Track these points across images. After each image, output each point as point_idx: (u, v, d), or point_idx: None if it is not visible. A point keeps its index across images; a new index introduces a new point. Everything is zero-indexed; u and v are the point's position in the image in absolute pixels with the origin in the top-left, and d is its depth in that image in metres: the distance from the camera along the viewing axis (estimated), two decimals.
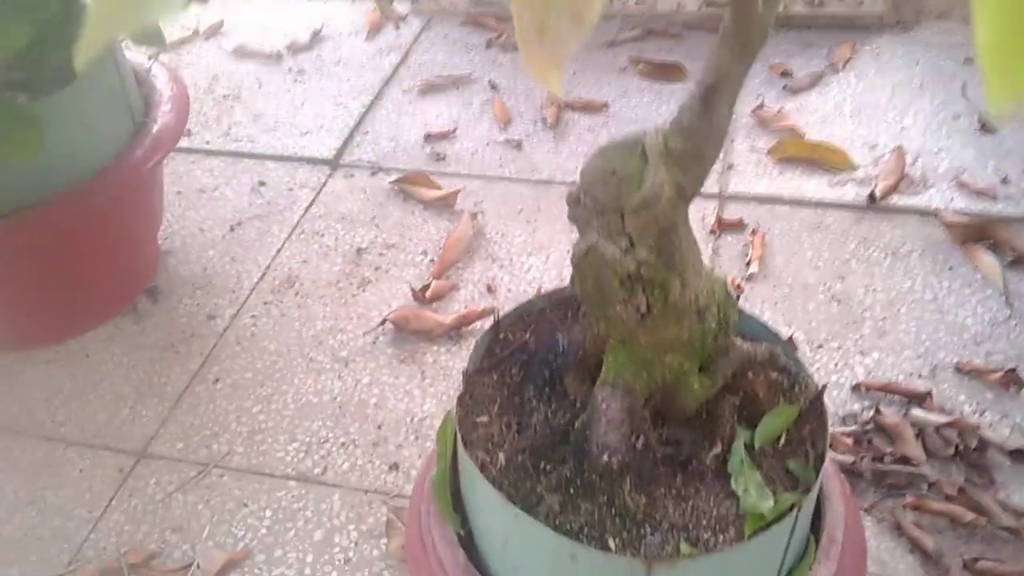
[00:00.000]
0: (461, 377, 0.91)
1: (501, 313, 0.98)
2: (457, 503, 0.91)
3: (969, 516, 1.11)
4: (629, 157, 0.74)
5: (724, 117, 0.70)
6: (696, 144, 0.70)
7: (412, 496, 0.97)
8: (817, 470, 0.82)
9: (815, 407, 0.87)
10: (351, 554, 1.14)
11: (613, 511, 0.80)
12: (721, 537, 0.79)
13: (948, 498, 1.14)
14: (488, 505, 0.83)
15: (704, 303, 0.81)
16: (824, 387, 0.88)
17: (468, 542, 0.89)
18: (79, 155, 1.36)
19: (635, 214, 0.71)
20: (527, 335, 0.98)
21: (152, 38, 1.39)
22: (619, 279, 0.74)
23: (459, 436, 0.86)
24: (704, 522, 0.80)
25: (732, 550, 0.76)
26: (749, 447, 0.86)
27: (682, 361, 0.83)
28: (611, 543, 0.78)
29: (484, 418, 0.90)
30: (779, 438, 0.87)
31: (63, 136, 1.31)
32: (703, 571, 0.77)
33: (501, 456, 0.86)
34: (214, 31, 2.36)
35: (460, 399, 0.90)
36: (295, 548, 1.16)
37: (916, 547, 1.10)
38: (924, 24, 2.09)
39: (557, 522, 0.79)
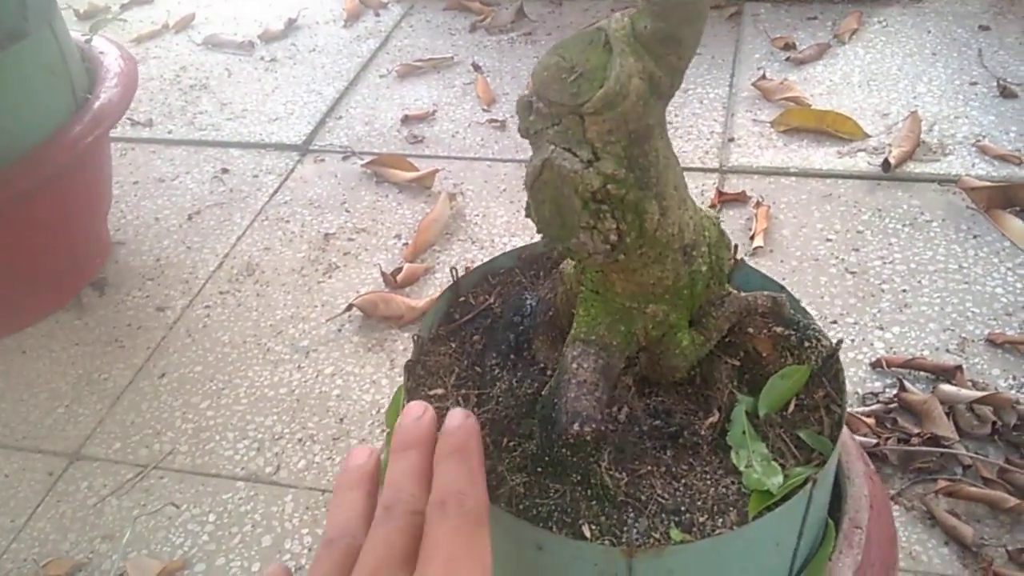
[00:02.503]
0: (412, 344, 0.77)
1: (460, 273, 0.84)
2: None
3: (1012, 501, 0.96)
4: (589, 48, 0.59)
5: None
6: (670, 23, 0.56)
7: None
8: (834, 439, 0.68)
9: (829, 366, 0.73)
10: (303, 561, 1.00)
11: (589, 492, 0.65)
12: (720, 521, 0.64)
13: (987, 481, 0.99)
14: None
15: (691, 239, 0.66)
16: (840, 342, 0.73)
17: None
18: (10, 133, 1.23)
19: (598, 115, 0.57)
20: (491, 297, 0.84)
21: None
22: (581, 200, 0.59)
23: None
24: (699, 503, 0.65)
25: (731, 535, 0.61)
26: (752, 415, 0.71)
27: (667, 311, 0.69)
28: (585, 530, 0.63)
29: (439, 391, 0.76)
30: (788, 404, 0.72)
31: None
32: (696, 562, 0.62)
33: None
34: (184, 24, 2.25)
35: (409, 368, 0.76)
36: (240, 555, 1.01)
37: (952, 537, 0.95)
38: None
39: (521, 507, 0.65)
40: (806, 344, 0.74)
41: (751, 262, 1.30)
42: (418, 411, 0.51)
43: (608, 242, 0.61)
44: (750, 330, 0.75)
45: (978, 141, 1.51)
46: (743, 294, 0.73)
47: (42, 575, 1.00)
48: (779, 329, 0.75)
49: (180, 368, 1.27)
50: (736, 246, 0.80)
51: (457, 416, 0.50)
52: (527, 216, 0.64)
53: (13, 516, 1.09)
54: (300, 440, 1.14)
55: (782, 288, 0.77)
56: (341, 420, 1.16)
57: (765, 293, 0.74)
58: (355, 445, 1.13)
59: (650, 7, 0.56)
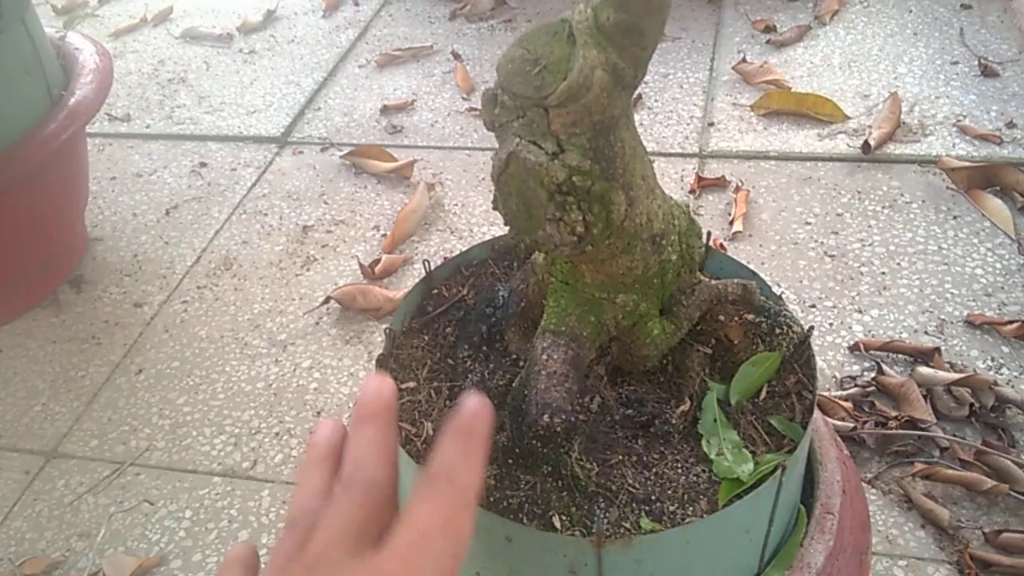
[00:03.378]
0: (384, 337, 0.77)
1: (433, 266, 0.83)
2: None
3: (988, 483, 0.96)
4: (553, 40, 0.59)
5: None
6: (634, 14, 0.55)
7: None
8: (805, 425, 0.67)
9: (801, 353, 0.73)
10: None
11: (560, 483, 0.65)
12: (690, 509, 0.64)
13: (963, 464, 0.99)
14: (412, 483, 0.68)
15: (660, 229, 0.66)
16: (811, 329, 0.73)
17: None
18: None
19: (562, 107, 0.56)
20: (464, 289, 0.84)
21: None
22: (547, 192, 0.59)
23: None
24: (670, 492, 0.65)
25: (700, 524, 0.61)
26: (724, 403, 0.71)
27: (637, 301, 0.68)
28: (556, 521, 0.63)
29: (411, 384, 0.75)
30: (759, 391, 0.72)
31: None
32: (665, 551, 0.62)
33: (429, 426, 0.71)
34: (163, 17, 2.23)
35: (381, 361, 0.75)
36: (216, 551, 1.01)
37: (929, 520, 0.95)
38: None
39: (491, 499, 0.64)
40: (777, 331, 0.74)
41: (730, 246, 1.30)
42: (377, 384, 0.50)
43: (575, 234, 0.60)
44: (721, 318, 0.74)
45: (959, 121, 1.50)
46: (713, 282, 0.73)
47: (18, 574, 0.99)
48: (750, 316, 0.75)
49: (157, 364, 1.26)
50: (709, 234, 0.80)
51: (472, 400, 0.49)
52: (495, 208, 0.64)
53: None
54: (277, 434, 1.14)
55: (754, 275, 0.77)
56: (319, 413, 1.16)
57: (735, 281, 0.74)
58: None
59: None
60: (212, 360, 1.25)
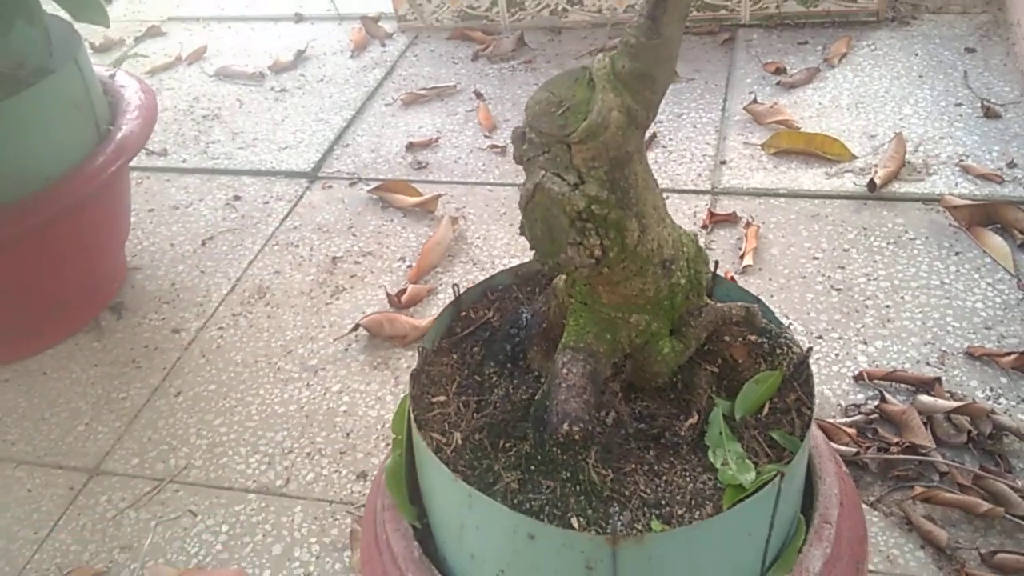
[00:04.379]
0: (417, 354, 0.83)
1: (462, 290, 0.90)
2: (416, 496, 0.82)
3: (985, 506, 1.01)
4: (575, 85, 0.66)
5: (674, 33, 0.63)
6: (646, 64, 0.63)
7: (369, 492, 0.89)
8: (803, 438, 0.73)
9: (800, 372, 0.79)
10: (311, 568, 1.05)
11: (577, 488, 0.71)
12: (697, 513, 0.70)
13: (962, 488, 1.04)
14: (442, 489, 0.75)
15: (669, 255, 0.73)
16: (810, 349, 0.79)
17: (426, 536, 0.80)
18: (37, 164, 1.30)
19: (583, 144, 0.64)
20: (490, 312, 0.90)
21: (91, 13, 1.34)
22: (569, 219, 0.66)
23: (412, 416, 0.78)
24: (678, 498, 0.71)
25: (706, 525, 0.67)
26: (729, 418, 0.77)
27: (649, 321, 0.75)
28: (574, 521, 0.69)
29: (441, 398, 0.82)
30: (762, 407, 0.78)
31: (19, 146, 1.26)
32: (674, 550, 0.67)
33: (457, 436, 0.77)
34: (197, 56, 2.33)
35: (414, 376, 0.82)
36: (252, 563, 1.07)
37: (928, 541, 1.00)
38: (921, 18, 2.02)
39: (515, 501, 0.70)
40: (778, 351, 0.80)
41: (741, 280, 1.36)
42: None
43: (593, 256, 0.67)
44: (726, 338, 0.81)
45: (961, 161, 1.56)
46: (719, 304, 0.79)
47: None
48: (753, 337, 0.81)
49: (195, 387, 1.32)
50: (716, 262, 0.86)
51: None
52: (521, 234, 0.71)
53: (36, 528, 1.14)
54: (309, 454, 1.20)
55: (758, 300, 0.83)
56: (348, 435, 1.22)
57: (739, 304, 0.80)
58: (361, 458, 1.18)
59: (627, 49, 0.62)
60: (247, 384, 1.32)
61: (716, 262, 0.85)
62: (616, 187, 0.66)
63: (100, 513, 1.16)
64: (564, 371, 0.72)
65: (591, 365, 0.73)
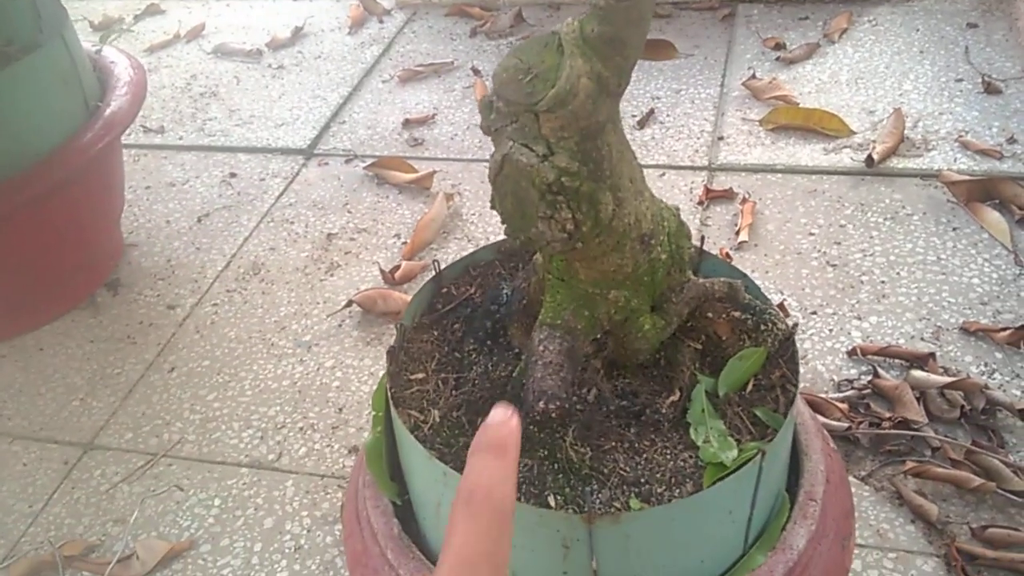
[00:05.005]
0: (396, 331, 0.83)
1: (443, 266, 0.89)
2: (397, 473, 0.82)
3: (976, 481, 1.00)
4: (544, 51, 0.64)
5: None
6: (616, 27, 0.61)
7: (352, 468, 0.89)
8: (787, 414, 0.73)
9: (785, 349, 0.78)
10: (302, 541, 1.06)
11: (555, 466, 0.71)
12: (676, 491, 0.69)
13: (954, 463, 1.03)
14: (419, 466, 0.74)
15: (648, 229, 0.71)
16: (795, 326, 0.78)
17: (407, 512, 0.80)
18: (25, 139, 1.30)
19: (551, 113, 0.62)
20: (472, 288, 0.90)
21: None
22: (538, 192, 0.64)
23: (389, 394, 0.77)
24: (659, 475, 0.70)
25: (684, 503, 0.66)
26: (712, 395, 0.76)
27: (629, 297, 0.74)
28: (551, 500, 0.68)
29: (420, 375, 0.81)
30: (746, 384, 0.77)
31: (5, 122, 1.26)
32: (652, 528, 0.67)
33: (435, 413, 0.77)
34: (195, 33, 2.32)
35: (391, 353, 0.81)
36: (243, 537, 1.07)
37: (918, 516, 1.00)
38: None
39: None
40: (763, 328, 0.79)
41: (736, 256, 1.35)
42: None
43: (565, 231, 0.66)
44: (709, 315, 0.80)
45: (961, 136, 1.55)
46: (701, 280, 0.78)
47: (58, 556, 1.06)
48: (737, 313, 0.80)
49: (189, 363, 1.33)
50: (703, 238, 0.85)
51: (500, 412, 0.48)
52: (492, 208, 0.70)
53: (31, 502, 1.15)
54: (301, 429, 1.20)
55: (743, 276, 0.82)
56: (340, 410, 1.22)
57: (722, 280, 0.79)
58: (353, 432, 1.19)
59: (596, 12, 0.61)
60: (240, 359, 1.32)
61: (703, 236, 0.84)
62: (588, 158, 0.64)
63: (94, 487, 1.16)
64: (541, 348, 0.72)
65: (568, 342, 0.72)
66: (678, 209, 0.76)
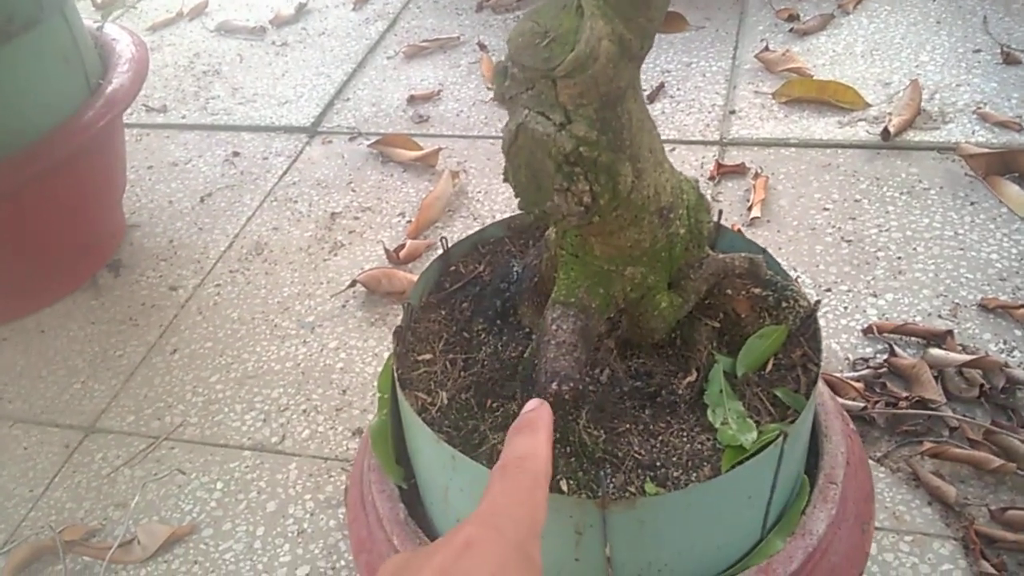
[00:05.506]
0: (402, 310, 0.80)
1: (451, 243, 0.86)
2: (403, 456, 0.80)
3: (996, 462, 0.97)
4: (562, 13, 0.61)
5: None
6: None
7: (357, 451, 0.87)
8: (808, 395, 0.70)
9: (807, 327, 0.75)
10: (306, 525, 1.04)
11: (568, 449, 0.68)
12: (693, 475, 0.66)
13: (972, 443, 1.01)
14: (426, 450, 0.72)
15: (667, 202, 0.68)
16: (818, 302, 0.75)
17: (413, 496, 0.78)
18: (26, 117, 1.27)
19: (569, 79, 0.58)
20: (480, 266, 0.87)
21: None
22: (555, 163, 0.61)
23: (396, 375, 0.75)
24: (675, 459, 0.68)
25: (701, 488, 0.64)
26: (731, 375, 0.73)
27: (645, 274, 0.71)
28: (563, 484, 0.66)
29: (427, 356, 0.79)
30: (765, 364, 0.74)
31: (5, 100, 1.24)
32: (668, 514, 0.64)
33: (443, 395, 0.74)
34: (198, 11, 2.28)
35: (398, 334, 0.79)
36: (245, 520, 1.05)
37: (936, 498, 0.97)
38: None
39: None
40: (784, 305, 0.76)
41: (748, 232, 1.32)
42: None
43: (582, 204, 0.62)
44: (728, 292, 0.77)
45: (979, 108, 1.51)
46: (721, 256, 0.75)
47: (58, 540, 1.04)
48: (757, 290, 0.77)
49: (191, 344, 1.30)
50: (721, 212, 0.82)
51: (533, 402, 0.55)
52: (505, 181, 0.67)
53: (32, 486, 1.13)
54: (305, 411, 1.18)
55: (763, 251, 0.79)
56: (344, 392, 1.19)
57: (742, 255, 0.76)
58: (357, 415, 1.16)
59: None
60: (243, 341, 1.30)
61: (720, 211, 0.81)
62: (607, 127, 0.61)
63: (95, 471, 1.14)
64: (554, 327, 0.69)
65: (582, 321, 0.69)
66: (697, 181, 0.73)
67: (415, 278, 1.33)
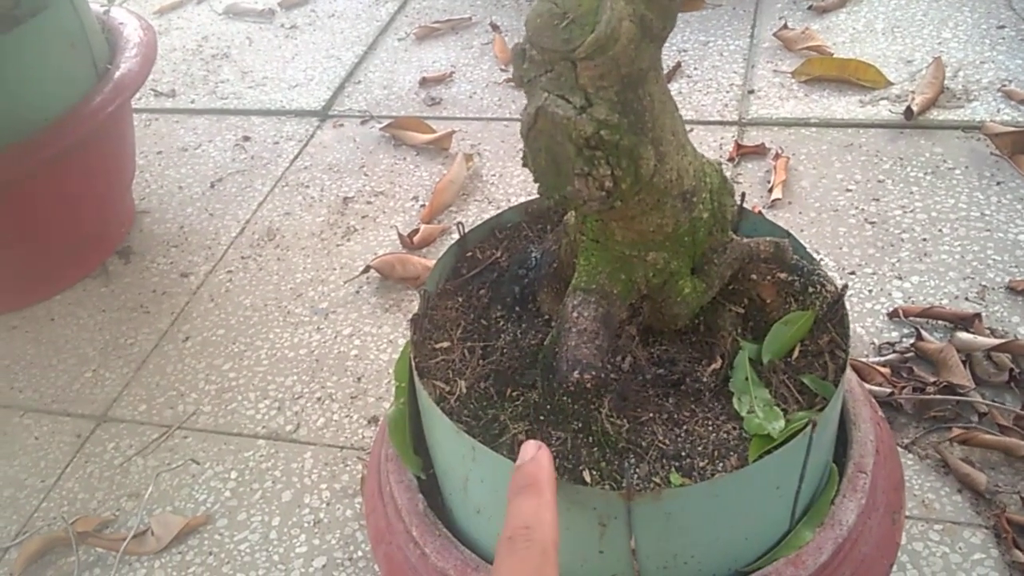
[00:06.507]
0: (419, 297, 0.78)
1: (467, 228, 0.84)
2: (421, 445, 0.78)
3: None
4: None
5: None
6: None
7: (374, 440, 0.85)
8: (837, 383, 0.68)
9: (835, 312, 0.73)
10: (322, 515, 1.02)
11: (590, 439, 0.66)
12: (720, 465, 0.64)
13: (1002, 429, 0.98)
14: (446, 440, 0.70)
15: (690, 186, 0.66)
16: (845, 287, 0.73)
17: (432, 486, 0.76)
18: (33, 103, 1.25)
19: (590, 60, 0.56)
20: (498, 252, 0.85)
21: None
22: (575, 147, 0.59)
23: (414, 364, 0.73)
24: (700, 448, 0.66)
25: (729, 478, 0.62)
26: (756, 362, 0.71)
27: (668, 259, 0.68)
28: (586, 475, 0.64)
29: (445, 343, 0.77)
30: (792, 350, 0.72)
31: (12, 85, 1.21)
32: (695, 506, 0.62)
33: (462, 384, 0.72)
34: None
35: (415, 321, 0.77)
36: (260, 511, 1.04)
37: (965, 485, 0.95)
38: None
39: None
40: (810, 290, 0.74)
41: (769, 214, 1.29)
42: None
43: (603, 189, 0.60)
44: (753, 277, 0.75)
45: (1004, 86, 1.47)
46: (745, 240, 0.73)
47: (71, 532, 1.03)
48: (783, 275, 0.75)
49: (203, 332, 1.29)
50: (743, 194, 0.80)
51: (529, 449, 0.52)
52: (524, 166, 0.64)
53: (43, 477, 1.12)
54: (319, 399, 1.16)
55: (788, 234, 0.77)
56: (359, 379, 1.18)
57: (768, 239, 0.74)
58: (372, 403, 1.14)
59: None
60: (256, 328, 1.28)
61: (743, 194, 0.78)
62: (629, 109, 0.58)
63: (107, 460, 1.13)
64: (575, 315, 0.67)
65: (604, 308, 0.67)
66: (720, 164, 0.71)
67: (430, 263, 1.31)
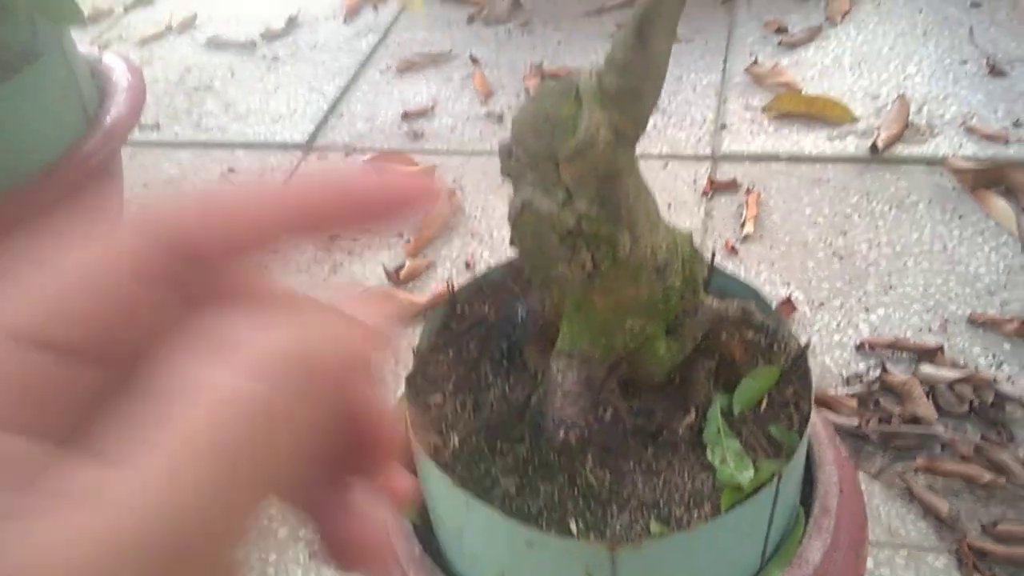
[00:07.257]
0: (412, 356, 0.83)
1: (456, 286, 0.89)
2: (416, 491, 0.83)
3: (987, 476, 1.01)
4: (562, 100, 0.65)
5: (661, 48, 0.61)
6: (632, 80, 0.61)
7: None
8: (801, 434, 0.73)
9: (798, 366, 0.78)
10: (318, 549, 1.06)
11: (575, 491, 0.71)
12: (695, 513, 0.70)
13: (963, 458, 1.04)
14: (441, 492, 0.75)
15: (664, 259, 0.72)
16: (808, 344, 0.78)
17: (427, 534, 0.81)
18: (25, 152, 1.28)
19: (570, 162, 0.62)
20: (485, 307, 0.90)
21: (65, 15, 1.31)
22: (559, 236, 0.65)
23: (408, 419, 0.78)
24: (677, 497, 0.71)
25: (704, 527, 0.67)
26: (727, 413, 0.77)
27: (644, 324, 0.74)
28: (572, 525, 0.69)
29: (438, 398, 0.82)
30: (760, 402, 0.78)
31: (8, 132, 1.25)
32: (674, 552, 0.68)
33: (455, 438, 0.77)
34: (187, 25, 2.29)
35: (409, 380, 0.81)
36: (257, 547, 1.08)
37: (929, 512, 1.01)
38: None
39: (513, 506, 0.70)
40: (775, 347, 0.80)
41: (741, 248, 1.35)
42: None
43: (584, 271, 0.66)
44: (723, 336, 0.80)
45: (966, 121, 1.54)
46: (716, 303, 0.78)
47: None
48: (750, 335, 0.80)
49: None
50: (713, 255, 0.85)
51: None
52: (511, 245, 0.70)
53: None
54: None
55: (756, 294, 0.83)
56: None
57: (736, 302, 0.79)
58: None
59: (612, 66, 0.61)
60: None
61: (713, 253, 0.84)
62: (606, 201, 0.64)
63: None
64: (560, 378, 0.72)
65: (586, 370, 0.73)
66: (691, 233, 0.76)
67: (416, 298, 1.36)
